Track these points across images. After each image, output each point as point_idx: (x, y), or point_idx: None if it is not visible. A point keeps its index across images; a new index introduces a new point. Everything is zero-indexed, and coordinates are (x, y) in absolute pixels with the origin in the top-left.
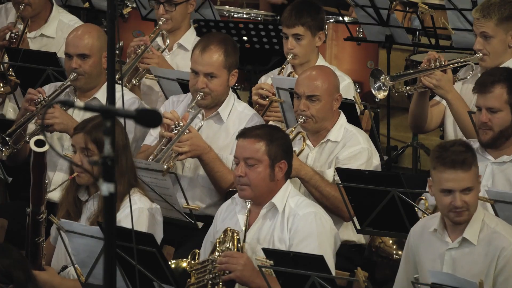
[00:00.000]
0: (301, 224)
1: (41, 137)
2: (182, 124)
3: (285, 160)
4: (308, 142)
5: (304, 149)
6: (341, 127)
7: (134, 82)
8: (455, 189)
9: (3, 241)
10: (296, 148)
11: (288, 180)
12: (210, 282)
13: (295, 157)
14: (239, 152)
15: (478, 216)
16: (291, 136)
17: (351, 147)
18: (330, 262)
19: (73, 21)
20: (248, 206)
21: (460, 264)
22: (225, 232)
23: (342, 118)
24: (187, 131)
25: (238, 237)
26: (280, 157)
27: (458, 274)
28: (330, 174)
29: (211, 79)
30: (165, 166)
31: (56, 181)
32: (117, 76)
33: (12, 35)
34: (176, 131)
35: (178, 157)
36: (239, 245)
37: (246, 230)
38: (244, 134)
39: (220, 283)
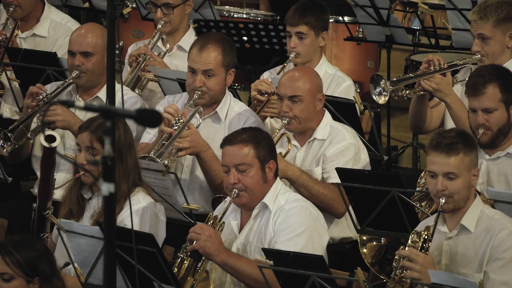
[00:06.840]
0: (286, 216)
1: (52, 132)
2: (182, 120)
3: (273, 159)
4: (294, 142)
5: (290, 150)
6: (327, 125)
7: (137, 91)
8: (437, 171)
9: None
10: (281, 149)
11: (278, 178)
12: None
13: (280, 159)
14: (228, 159)
15: (476, 206)
16: (275, 139)
17: (337, 144)
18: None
19: (65, 20)
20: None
21: (457, 251)
22: (207, 218)
23: (327, 116)
24: (186, 127)
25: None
26: (268, 157)
27: (456, 261)
28: (318, 172)
29: (208, 77)
30: (166, 162)
31: (58, 181)
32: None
33: (1, 38)
34: (176, 127)
35: (178, 153)
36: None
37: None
38: (229, 141)
39: (186, 254)
